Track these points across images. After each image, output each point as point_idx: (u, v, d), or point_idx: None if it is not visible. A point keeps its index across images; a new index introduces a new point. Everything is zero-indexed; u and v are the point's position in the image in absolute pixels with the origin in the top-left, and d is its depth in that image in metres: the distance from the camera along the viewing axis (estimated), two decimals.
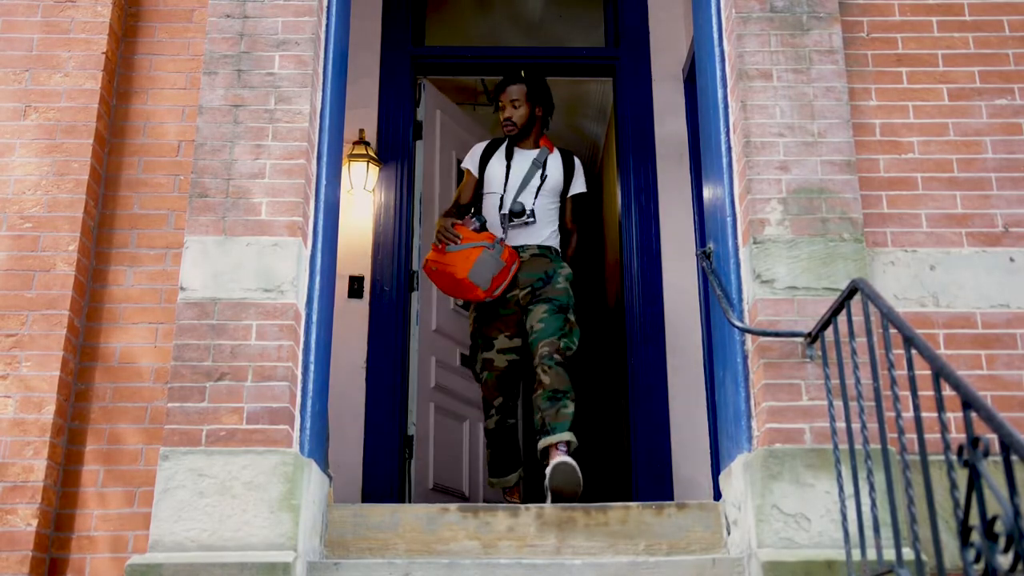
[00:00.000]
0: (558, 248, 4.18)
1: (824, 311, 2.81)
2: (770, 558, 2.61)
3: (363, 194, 5.09)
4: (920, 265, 3.13)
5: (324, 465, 3.13)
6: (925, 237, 3.16)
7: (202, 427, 2.82)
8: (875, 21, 3.39)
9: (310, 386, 3.02)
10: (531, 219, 4.10)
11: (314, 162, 3.24)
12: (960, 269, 3.13)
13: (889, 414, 2.66)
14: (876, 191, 3.20)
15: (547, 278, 4.04)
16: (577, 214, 4.34)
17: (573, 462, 3.60)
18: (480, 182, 4.28)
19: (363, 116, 5.21)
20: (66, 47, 3.44)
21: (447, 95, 5.72)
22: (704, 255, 3.36)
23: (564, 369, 3.83)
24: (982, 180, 3.23)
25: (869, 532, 2.41)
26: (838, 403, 2.67)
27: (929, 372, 2.00)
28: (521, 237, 4.11)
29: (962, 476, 1.81)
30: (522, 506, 3.09)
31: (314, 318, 3.08)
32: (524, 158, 4.23)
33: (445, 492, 4.98)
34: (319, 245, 3.17)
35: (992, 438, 1.74)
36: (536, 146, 4.29)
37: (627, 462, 5.24)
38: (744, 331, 2.98)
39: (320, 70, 3.32)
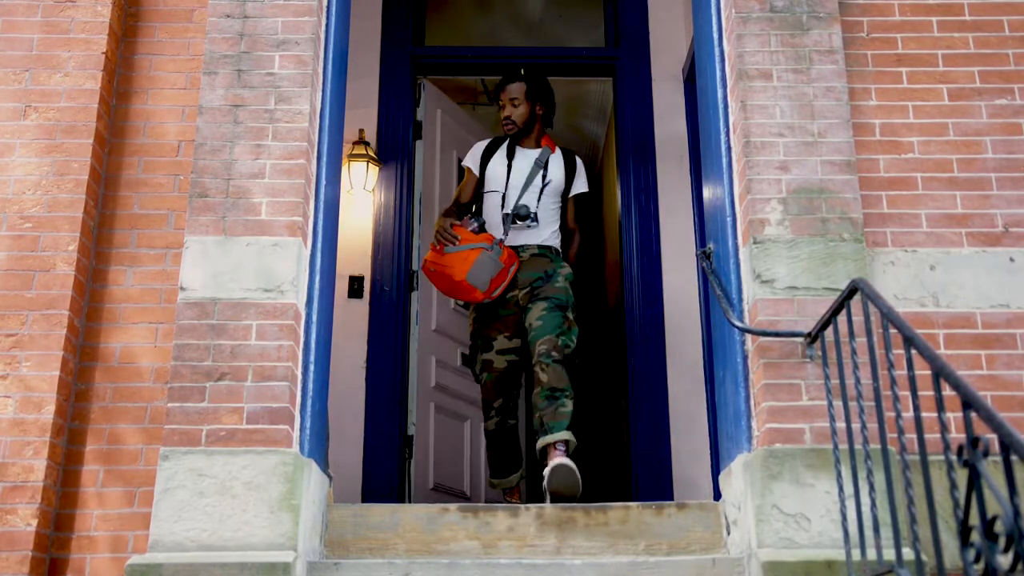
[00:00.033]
0: (559, 248, 4.16)
1: (824, 311, 2.81)
2: (770, 558, 2.61)
3: (363, 194, 5.09)
4: (920, 265, 3.13)
5: (324, 465, 3.13)
6: (925, 237, 3.16)
7: (202, 427, 2.82)
8: (875, 21, 3.39)
9: (310, 386, 3.02)
10: (534, 223, 4.08)
11: (314, 162, 3.24)
12: (960, 269, 3.13)
13: (889, 414, 2.66)
14: (876, 191, 3.20)
15: (546, 277, 4.02)
16: (579, 214, 4.33)
17: (571, 464, 3.58)
18: (481, 181, 4.25)
19: (363, 116, 5.21)
20: (66, 47, 3.44)
21: (447, 95, 5.72)
22: (704, 255, 3.36)
23: (563, 367, 3.81)
24: (982, 180, 3.23)
25: (869, 532, 2.42)
26: (838, 403, 2.67)
27: (929, 372, 2.00)
28: (521, 237, 4.09)
29: (962, 476, 1.81)
30: (522, 506, 3.09)
31: (314, 318, 3.08)
32: (526, 157, 4.21)
33: (446, 492, 4.98)
34: (319, 245, 3.17)
35: (992, 438, 1.74)
36: (538, 145, 4.26)
37: (627, 462, 5.24)
38: (744, 331, 2.98)
39: (320, 70, 3.32)
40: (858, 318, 2.63)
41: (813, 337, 2.83)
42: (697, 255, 4.82)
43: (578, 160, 4.33)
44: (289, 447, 2.83)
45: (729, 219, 3.21)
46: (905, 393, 2.65)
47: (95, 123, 3.35)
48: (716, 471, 4.31)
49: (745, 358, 3.03)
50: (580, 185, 4.28)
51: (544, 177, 4.15)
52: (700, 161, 3.81)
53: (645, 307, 4.95)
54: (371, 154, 5.10)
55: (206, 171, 3.08)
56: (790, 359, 2.89)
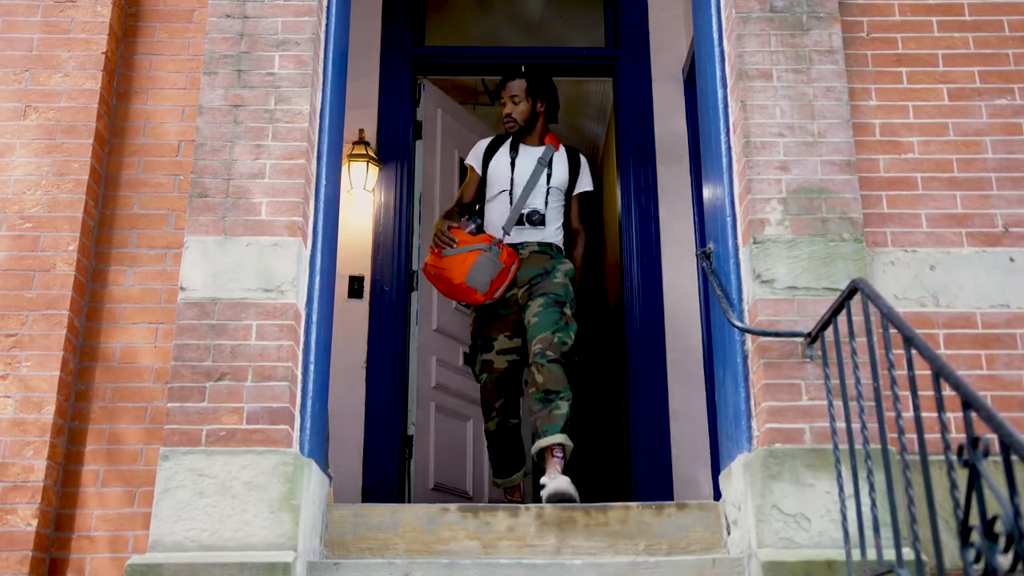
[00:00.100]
0: (560, 245, 4.13)
1: (824, 311, 2.81)
2: (770, 558, 2.61)
3: (363, 194, 5.09)
4: (920, 265, 3.13)
5: (324, 465, 3.13)
6: (925, 237, 3.16)
7: (202, 427, 2.82)
8: (875, 21, 3.39)
9: (310, 386, 3.02)
10: (542, 225, 4.06)
11: (314, 162, 3.24)
12: (960, 269, 3.13)
13: (889, 414, 2.66)
14: (876, 191, 3.20)
15: (545, 273, 3.98)
16: (584, 213, 4.28)
17: (569, 490, 3.41)
18: (483, 179, 4.22)
19: (363, 116, 5.21)
20: (66, 47, 3.44)
21: (448, 95, 5.71)
22: (704, 255, 3.35)
23: (559, 366, 3.75)
24: (982, 180, 3.23)
25: (869, 532, 2.42)
26: (838, 403, 2.67)
27: (929, 372, 2.00)
28: (522, 235, 4.06)
29: (962, 476, 1.81)
30: (522, 506, 3.09)
31: (314, 318, 3.08)
32: (529, 155, 4.17)
33: (447, 492, 4.97)
34: (319, 245, 3.17)
35: (992, 438, 1.74)
36: (541, 143, 4.21)
37: (627, 462, 5.24)
38: (744, 331, 2.98)
39: (320, 70, 3.32)
40: (858, 318, 2.63)
41: (813, 337, 2.83)
42: (697, 255, 4.82)
43: (582, 158, 4.29)
44: (289, 447, 2.83)
45: (729, 219, 3.21)
46: (905, 393, 2.65)
47: (95, 123, 3.36)
48: (716, 471, 4.31)
49: (745, 358, 3.03)
50: (584, 184, 4.24)
51: (550, 177, 4.12)
52: (700, 161, 3.80)
53: (645, 307, 4.95)
54: (371, 154, 5.10)
55: (206, 171, 3.08)
56: (790, 359, 2.89)
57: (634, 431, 4.81)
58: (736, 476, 2.96)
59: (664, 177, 5.15)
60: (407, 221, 5.11)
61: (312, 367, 3.04)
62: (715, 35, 3.41)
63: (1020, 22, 3.41)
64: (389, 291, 4.96)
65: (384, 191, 5.13)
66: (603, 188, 7.32)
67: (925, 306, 3.09)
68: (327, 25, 3.40)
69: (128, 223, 3.36)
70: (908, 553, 2.36)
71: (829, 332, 2.72)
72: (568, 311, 3.91)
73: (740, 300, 3.08)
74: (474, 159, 4.27)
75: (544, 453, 3.68)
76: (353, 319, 4.90)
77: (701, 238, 4.91)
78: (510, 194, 4.09)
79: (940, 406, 1.94)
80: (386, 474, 4.68)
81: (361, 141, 5.11)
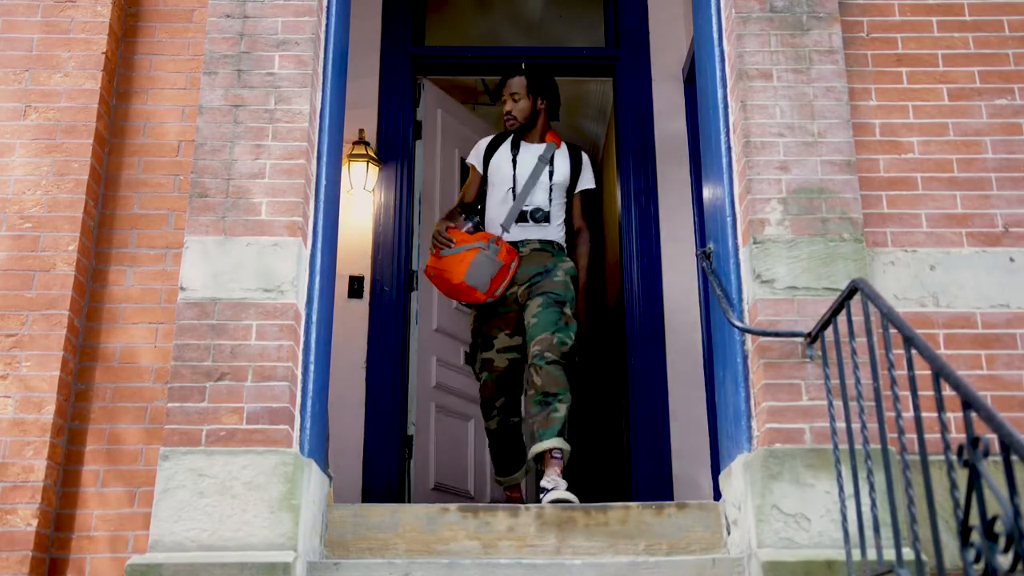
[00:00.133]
0: (562, 243, 4.10)
1: (824, 311, 2.81)
2: (770, 558, 2.61)
3: (363, 194, 5.09)
4: (920, 265, 3.13)
5: (324, 465, 3.13)
6: (925, 237, 3.16)
7: (202, 427, 2.82)
8: (875, 21, 3.39)
9: (310, 386, 3.02)
10: (546, 223, 4.04)
11: (314, 162, 3.24)
12: (960, 269, 3.13)
13: (889, 414, 2.66)
14: (876, 191, 3.20)
15: (546, 272, 3.96)
16: (587, 211, 4.24)
17: (568, 497, 3.40)
18: (485, 178, 4.18)
19: (363, 116, 5.21)
20: (66, 47, 3.44)
21: (448, 94, 5.71)
22: (704, 255, 3.35)
23: (559, 367, 3.72)
24: (982, 180, 3.23)
25: (869, 532, 2.41)
26: (838, 403, 2.67)
27: (929, 372, 2.00)
28: (523, 232, 4.03)
29: (962, 476, 1.81)
30: (522, 506, 3.09)
31: (314, 318, 3.08)
32: (530, 152, 4.13)
33: (448, 492, 4.97)
34: (319, 245, 3.17)
35: (992, 438, 1.74)
36: (542, 140, 4.18)
37: (627, 462, 5.24)
38: (744, 331, 2.98)
39: (320, 70, 3.32)
40: (858, 318, 2.63)
41: (813, 337, 2.83)
42: (697, 255, 4.82)
43: (584, 155, 4.25)
44: (289, 447, 2.83)
45: (729, 219, 3.21)
46: (905, 393, 2.65)
47: (95, 123, 3.36)
48: (716, 471, 4.31)
49: (745, 358, 3.03)
50: (586, 181, 4.20)
51: (552, 174, 4.08)
52: (700, 161, 3.80)
53: (645, 307, 4.95)
54: (371, 154, 5.10)
55: (206, 171, 3.08)
56: (790, 359, 2.89)
57: (634, 431, 4.81)
58: (736, 476, 2.96)
59: (664, 177, 5.15)
60: (407, 221, 5.11)
61: (312, 367, 3.04)
62: (715, 35, 3.41)
63: (1020, 22, 3.42)
64: (389, 291, 4.96)
65: (384, 191, 5.13)
66: (603, 188, 7.32)
67: (925, 306, 3.09)
68: (327, 25, 3.40)
69: (128, 223, 3.36)
70: (908, 553, 2.36)
71: (829, 332, 2.72)
72: (568, 311, 3.88)
73: (740, 300, 3.08)
74: (475, 158, 4.25)
75: (543, 456, 3.66)
76: (353, 319, 4.90)
77: (701, 238, 4.91)
78: (512, 192, 4.06)
79: (940, 406, 1.94)
80: (386, 474, 4.68)
81: (361, 141, 5.11)
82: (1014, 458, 1.63)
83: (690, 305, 4.92)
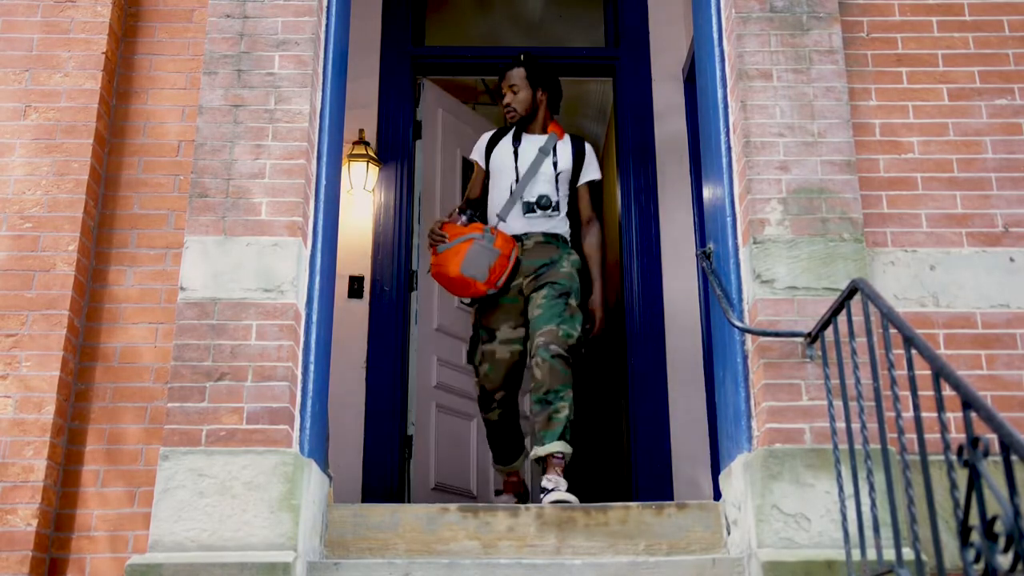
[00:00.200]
0: (567, 236, 4.04)
1: (824, 311, 2.81)
2: (770, 558, 2.61)
3: (363, 194, 5.09)
4: (920, 265, 3.13)
5: (324, 465, 3.13)
6: (925, 237, 3.16)
7: (202, 427, 2.82)
8: (875, 21, 3.39)
9: (310, 386, 3.02)
10: (555, 212, 3.97)
11: (314, 162, 3.24)
12: (960, 269, 3.13)
13: (889, 414, 2.66)
14: (876, 191, 3.19)
15: (552, 263, 3.91)
16: (594, 202, 4.16)
17: (568, 499, 3.39)
18: (488, 173, 4.14)
19: (363, 116, 5.21)
20: (66, 47, 3.44)
21: (448, 94, 5.72)
22: (704, 255, 3.35)
23: (562, 361, 3.67)
24: (982, 180, 3.23)
25: (869, 532, 2.42)
26: (838, 403, 2.67)
27: (929, 372, 2.00)
28: (527, 225, 3.98)
29: (962, 476, 1.80)
30: (522, 506, 3.09)
31: (314, 318, 3.08)
32: (532, 144, 4.08)
33: (450, 492, 4.97)
34: (319, 245, 3.17)
35: (992, 438, 1.74)
36: (544, 132, 4.14)
37: (627, 462, 5.24)
38: (744, 331, 2.98)
39: (320, 70, 3.32)
40: (858, 318, 2.63)
41: (813, 337, 2.83)
42: (697, 255, 4.82)
43: (587, 146, 4.18)
44: (289, 447, 2.83)
45: (729, 219, 3.21)
46: (905, 393, 2.65)
47: (95, 123, 3.36)
48: (716, 471, 4.31)
49: (745, 358, 3.03)
50: (591, 172, 4.14)
51: (556, 165, 4.03)
52: (700, 161, 3.80)
53: (645, 306, 4.95)
54: (371, 154, 5.10)
55: (206, 171, 3.08)
56: (790, 359, 2.89)
57: (634, 431, 4.81)
58: (736, 476, 2.96)
59: (664, 177, 5.15)
60: (407, 221, 5.11)
61: (312, 367, 3.04)
62: (715, 35, 3.41)
63: (1020, 22, 3.41)
64: (389, 291, 4.96)
65: (384, 191, 5.13)
66: (603, 188, 7.32)
67: (925, 306, 3.09)
68: (327, 25, 3.40)
69: (128, 223, 3.36)
70: (908, 553, 2.36)
71: (829, 332, 2.72)
72: (573, 302, 3.83)
73: (740, 300, 3.08)
74: (477, 154, 4.22)
75: (545, 456, 3.64)
76: (353, 319, 4.90)
77: (701, 238, 4.91)
78: (515, 184, 4.01)
79: (940, 406, 1.94)
80: (386, 474, 4.69)
81: (361, 141, 5.11)
82: (1014, 458, 1.63)
83: (690, 305, 4.92)
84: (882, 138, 3.26)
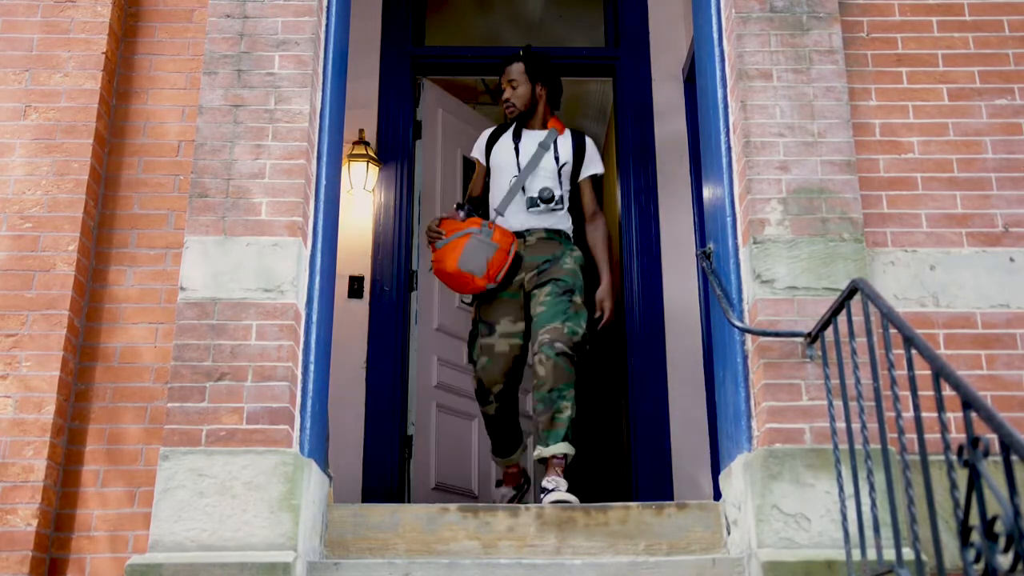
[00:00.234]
0: (569, 232, 4.02)
1: (824, 311, 2.81)
2: (770, 558, 2.61)
3: (363, 194, 5.09)
4: (920, 265, 3.13)
5: (324, 465, 3.13)
6: (925, 237, 3.16)
7: (202, 427, 2.82)
8: (875, 21, 3.39)
9: (310, 386, 3.02)
10: (559, 206, 3.93)
11: (314, 162, 3.24)
12: (960, 269, 3.13)
13: (889, 414, 2.66)
14: (876, 191, 3.19)
15: (554, 259, 3.89)
16: (599, 198, 4.12)
17: (569, 500, 3.38)
18: (490, 170, 4.12)
19: (363, 116, 5.21)
20: (66, 47, 3.44)
21: (448, 94, 5.71)
22: (704, 255, 3.35)
23: (566, 359, 3.64)
24: (982, 180, 3.23)
25: (869, 532, 2.41)
26: (838, 403, 2.67)
27: (929, 372, 2.00)
28: (530, 220, 3.95)
29: (962, 476, 1.80)
30: (522, 506, 3.09)
31: (314, 318, 3.08)
32: (532, 139, 4.06)
33: (451, 492, 4.97)
34: (319, 245, 3.17)
35: (992, 438, 1.74)
36: (544, 127, 4.11)
37: (627, 462, 5.24)
38: (744, 331, 2.98)
39: (320, 70, 3.32)
40: (858, 318, 2.63)
41: (813, 337, 2.83)
42: (697, 255, 4.82)
43: (588, 141, 4.15)
44: (289, 447, 2.83)
45: (729, 219, 3.21)
46: (905, 393, 2.65)
47: (95, 123, 3.36)
48: (716, 471, 4.31)
49: (745, 358, 3.03)
50: (593, 167, 4.10)
51: (557, 160, 4.00)
52: (700, 161, 3.80)
53: (645, 306, 4.95)
54: (371, 154, 5.10)
55: (206, 171, 3.08)
56: (790, 359, 2.89)
57: (634, 431, 4.81)
58: (736, 476, 2.96)
59: (664, 177, 5.15)
60: (407, 221, 5.11)
61: (312, 367, 3.04)
62: (715, 35, 3.41)
63: (1020, 22, 3.42)
64: (389, 291, 4.96)
65: (384, 191, 5.13)
66: (603, 188, 7.33)
67: (925, 306, 3.09)
68: (327, 25, 3.40)
69: (128, 223, 3.36)
70: (908, 553, 2.36)
71: (829, 332, 2.72)
72: (577, 298, 3.80)
73: (740, 300, 3.08)
74: (478, 151, 4.21)
75: (547, 460, 3.63)
76: (353, 319, 4.90)
77: (701, 238, 4.91)
78: (518, 179, 3.98)
79: (940, 406, 1.94)
80: (386, 474, 4.69)
81: (361, 141, 5.11)
82: (1014, 458, 1.63)
83: (690, 305, 4.92)
84: (882, 138, 3.26)
